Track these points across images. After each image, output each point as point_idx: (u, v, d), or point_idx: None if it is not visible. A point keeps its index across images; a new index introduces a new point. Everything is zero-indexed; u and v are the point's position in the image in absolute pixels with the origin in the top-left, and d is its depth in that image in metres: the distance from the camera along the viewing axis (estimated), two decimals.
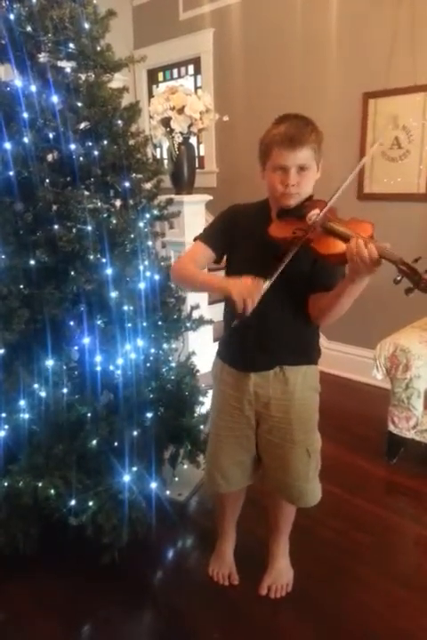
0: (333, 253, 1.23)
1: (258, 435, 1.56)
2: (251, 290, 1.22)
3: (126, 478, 1.73)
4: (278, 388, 1.47)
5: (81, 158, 1.72)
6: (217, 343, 1.65)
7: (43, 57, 1.74)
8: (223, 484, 1.62)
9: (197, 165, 3.23)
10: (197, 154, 3.48)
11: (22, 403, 1.68)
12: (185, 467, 2.15)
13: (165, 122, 2.85)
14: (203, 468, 1.82)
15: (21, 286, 1.67)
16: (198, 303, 2.23)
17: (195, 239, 1.52)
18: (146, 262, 1.90)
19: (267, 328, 1.41)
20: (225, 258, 1.52)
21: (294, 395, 1.47)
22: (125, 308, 1.79)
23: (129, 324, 1.81)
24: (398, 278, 1.09)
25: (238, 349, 1.49)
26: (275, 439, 1.51)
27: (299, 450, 1.51)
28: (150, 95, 4.49)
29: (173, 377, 2.11)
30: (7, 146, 1.60)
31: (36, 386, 1.68)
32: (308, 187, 1.34)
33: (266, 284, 1.24)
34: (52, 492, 1.66)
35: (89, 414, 1.74)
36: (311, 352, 1.53)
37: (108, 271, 1.73)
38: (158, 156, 4.40)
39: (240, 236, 1.44)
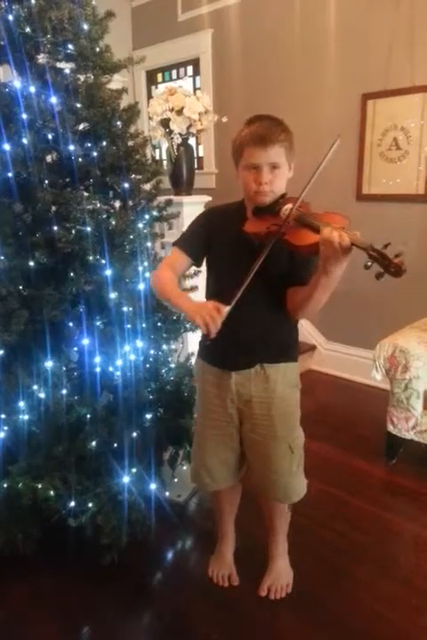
0: (306, 244, 1.25)
1: (242, 433, 1.57)
2: (213, 315, 1.23)
3: (126, 479, 1.73)
4: (260, 386, 1.49)
5: (80, 159, 1.72)
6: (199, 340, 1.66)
7: (42, 58, 1.73)
8: (210, 483, 1.64)
9: (195, 166, 3.23)
10: (196, 155, 3.49)
11: (22, 404, 1.68)
12: (184, 468, 2.15)
13: (164, 123, 2.85)
14: None
15: (21, 287, 1.67)
16: None
17: (173, 244, 1.54)
18: (145, 263, 1.90)
19: (246, 327, 1.43)
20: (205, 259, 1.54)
21: (275, 392, 1.50)
22: (125, 308, 1.79)
23: (128, 325, 1.81)
24: (369, 264, 1.12)
25: (219, 349, 1.50)
26: (257, 437, 1.53)
27: (281, 446, 1.53)
28: (149, 96, 4.49)
29: (172, 378, 2.11)
30: (6, 147, 1.60)
31: (35, 387, 1.69)
32: (281, 184, 1.37)
33: (227, 309, 1.26)
34: (52, 493, 1.66)
35: (88, 415, 1.74)
36: (291, 349, 1.55)
37: (108, 272, 1.73)
38: (157, 157, 4.40)
39: (217, 237, 1.47)
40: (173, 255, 1.52)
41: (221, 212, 1.55)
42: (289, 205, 1.30)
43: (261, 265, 1.27)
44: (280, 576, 1.75)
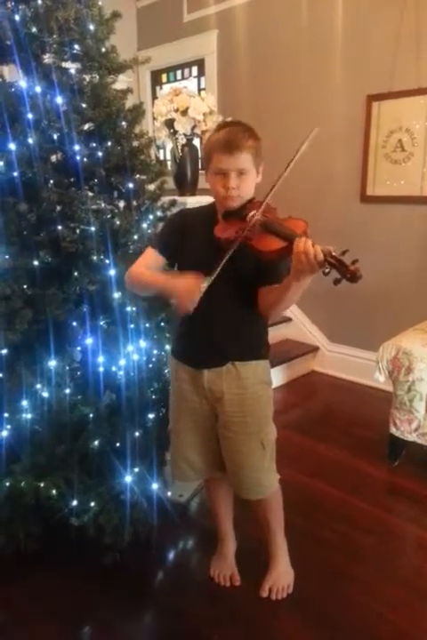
0: (270, 250, 1.30)
1: (217, 429, 1.60)
2: (191, 289, 1.30)
3: (128, 479, 1.74)
4: (232, 383, 1.52)
5: (85, 159, 1.73)
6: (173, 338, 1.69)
7: (48, 58, 1.74)
8: (191, 474, 1.68)
9: (200, 167, 3.23)
10: (200, 155, 3.49)
11: (25, 403, 1.68)
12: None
13: (169, 123, 2.86)
14: None
15: (25, 286, 1.68)
16: None
17: (149, 244, 1.58)
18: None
19: (217, 326, 1.47)
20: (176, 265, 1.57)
21: (247, 389, 1.53)
22: (128, 308, 1.79)
23: (132, 325, 1.81)
24: (327, 270, 1.17)
25: (190, 348, 1.55)
26: (230, 433, 1.56)
27: (253, 442, 1.55)
28: (154, 97, 4.50)
29: None
30: (12, 146, 1.61)
31: (38, 386, 1.69)
32: (248, 189, 1.41)
33: (205, 283, 1.30)
34: (54, 492, 1.66)
35: (91, 415, 1.74)
36: (261, 347, 1.58)
37: (112, 272, 1.74)
38: (162, 158, 4.40)
39: (189, 238, 1.50)
40: (146, 254, 1.56)
41: (193, 213, 1.60)
42: (255, 211, 1.35)
43: (230, 266, 1.32)
44: (281, 577, 1.75)
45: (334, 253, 1.15)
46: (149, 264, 1.54)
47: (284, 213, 1.38)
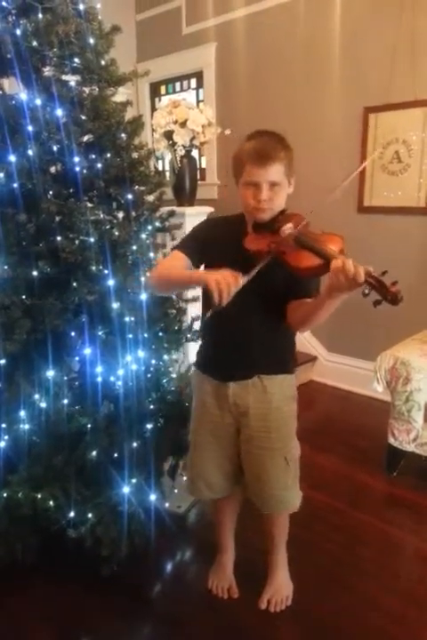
0: (303, 266, 1.26)
1: (239, 443, 1.58)
2: (228, 280, 1.22)
3: (126, 490, 1.73)
4: (258, 397, 1.50)
5: (84, 170, 1.74)
6: (197, 351, 1.67)
7: (48, 71, 1.76)
8: (206, 492, 1.64)
9: (198, 178, 3.26)
10: (198, 166, 3.51)
11: (22, 413, 1.68)
12: (184, 479, 2.13)
13: (168, 135, 2.88)
14: None
15: (23, 297, 1.68)
16: (199, 315, 2.23)
17: (173, 248, 1.55)
18: (148, 274, 1.91)
19: (244, 339, 1.45)
20: (202, 268, 1.53)
21: (272, 403, 1.50)
22: (127, 318, 1.79)
23: (130, 335, 1.81)
24: (367, 291, 1.12)
25: (216, 360, 1.53)
26: (253, 448, 1.53)
27: (277, 458, 1.53)
28: (153, 109, 4.53)
29: (173, 388, 2.11)
30: (12, 158, 1.62)
31: (36, 396, 1.69)
32: (280, 201, 1.38)
33: (243, 280, 1.24)
34: (52, 503, 1.66)
35: (89, 425, 1.74)
36: (288, 361, 1.56)
37: (110, 282, 1.74)
38: (161, 169, 4.43)
39: (216, 248, 1.47)
40: (173, 256, 1.51)
41: (222, 222, 1.57)
42: (290, 225, 1.31)
43: (259, 278, 1.27)
44: (280, 588, 1.74)
45: (373, 274, 1.11)
46: (175, 265, 1.50)
47: (316, 227, 1.34)
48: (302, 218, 1.33)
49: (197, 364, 1.63)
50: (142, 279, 1.86)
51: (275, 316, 1.44)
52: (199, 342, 1.74)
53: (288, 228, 1.31)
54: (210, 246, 1.48)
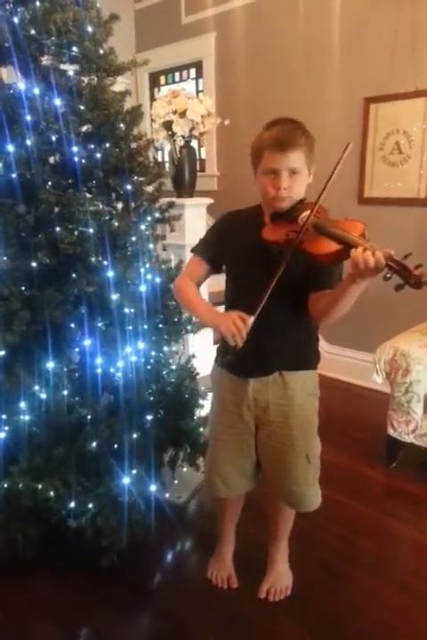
0: (323, 253, 1.23)
1: (258, 440, 1.56)
2: (238, 325, 1.24)
3: (126, 481, 1.73)
4: (278, 393, 1.47)
5: (83, 161, 1.72)
6: (217, 346, 1.65)
7: (46, 60, 1.74)
8: (223, 489, 1.62)
9: (198, 169, 3.24)
10: (198, 157, 3.49)
11: (23, 404, 1.68)
12: (184, 469, 2.15)
13: (167, 125, 2.86)
14: (202, 470, 1.82)
15: (23, 288, 1.67)
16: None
17: (192, 251, 1.54)
18: (147, 265, 1.91)
19: (265, 334, 1.40)
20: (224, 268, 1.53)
21: (294, 400, 1.47)
22: (126, 310, 1.79)
23: (130, 327, 1.81)
24: (388, 275, 1.10)
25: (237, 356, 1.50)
26: (274, 444, 1.51)
27: (298, 455, 1.51)
28: (152, 98, 4.51)
29: (173, 380, 2.11)
30: (10, 148, 1.61)
31: (36, 388, 1.69)
32: (299, 190, 1.35)
33: (252, 319, 1.26)
34: (52, 493, 1.66)
35: (89, 416, 1.74)
36: (310, 357, 1.53)
37: (110, 274, 1.73)
38: (160, 159, 4.41)
39: (235, 242, 1.45)
40: (191, 264, 1.54)
41: (238, 216, 1.52)
42: (307, 212, 1.28)
43: (281, 273, 1.25)
44: (280, 579, 1.75)
45: (395, 257, 1.08)
46: (193, 273, 1.52)
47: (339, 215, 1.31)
48: (320, 206, 1.29)
49: (217, 360, 1.60)
50: (142, 270, 1.86)
51: (296, 310, 1.40)
52: (201, 333, 1.74)
53: (305, 215, 1.27)
54: (228, 243, 1.46)
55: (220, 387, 1.58)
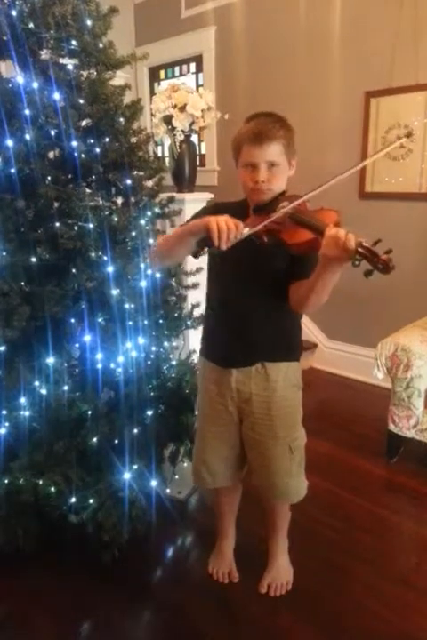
0: (299, 242, 1.26)
1: (242, 432, 1.57)
2: (230, 225, 1.18)
3: (127, 476, 1.74)
4: (260, 385, 1.48)
5: (83, 155, 1.72)
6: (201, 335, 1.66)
7: (45, 54, 1.73)
8: (209, 480, 1.64)
9: (198, 163, 3.22)
10: (198, 152, 3.48)
11: (23, 400, 1.68)
12: (185, 465, 2.15)
13: (167, 119, 2.85)
14: None
15: (22, 283, 1.67)
16: (199, 301, 2.23)
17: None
18: (147, 260, 1.90)
19: (247, 325, 1.43)
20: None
21: (276, 391, 1.49)
22: (126, 305, 1.79)
23: (130, 322, 1.81)
24: (357, 262, 1.12)
25: (219, 346, 1.51)
26: (257, 436, 1.53)
27: (281, 446, 1.52)
28: (152, 93, 4.49)
29: (173, 375, 2.11)
30: (9, 143, 1.60)
31: (36, 383, 1.69)
32: (279, 182, 1.36)
33: (246, 230, 1.22)
34: (53, 489, 1.66)
35: (89, 412, 1.74)
36: (292, 348, 1.54)
37: (110, 269, 1.73)
38: (160, 154, 4.39)
39: None
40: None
41: (224, 207, 1.51)
42: (286, 203, 1.31)
43: (261, 262, 1.28)
44: (280, 573, 1.75)
45: (365, 243, 1.10)
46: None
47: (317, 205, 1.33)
48: (299, 197, 1.32)
49: (201, 350, 1.62)
50: (142, 265, 1.86)
51: (277, 301, 1.42)
52: (201, 328, 1.74)
53: (284, 205, 1.30)
54: None
55: (204, 378, 1.59)
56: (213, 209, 1.52)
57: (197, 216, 1.52)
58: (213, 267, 1.52)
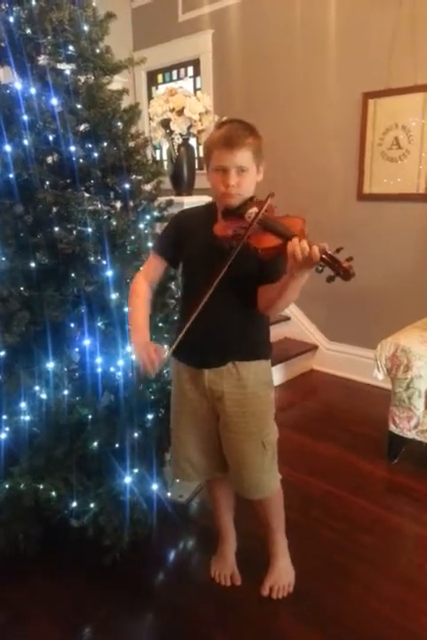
0: (266, 247, 1.31)
1: (219, 432, 1.60)
2: (151, 358, 1.36)
3: (127, 480, 1.73)
4: (232, 383, 1.52)
5: (81, 160, 1.72)
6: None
7: (42, 59, 1.74)
8: (193, 474, 1.67)
9: (196, 166, 3.23)
10: (196, 155, 3.49)
11: (23, 405, 1.68)
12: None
13: (165, 123, 2.86)
14: None
15: (22, 288, 1.68)
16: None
17: (152, 249, 1.62)
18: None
19: (217, 326, 1.47)
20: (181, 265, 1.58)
21: (247, 389, 1.52)
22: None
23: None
24: (320, 268, 1.18)
25: (191, 348, 1.52)
26: (230, 433, 1.56)
27: (254, 442, 1.55)
28: (150, 97, 4.49)
29: None
30: (7, 148, 1.61)
31: (36, 388, 1.69)
32: (248, 187, 1.40)
33: (167, 354, 1.38)
34: (53, 493, 1.66)
35: (90, 416, 1.74)
36: (262, 348, 1.58)
37: (109, 273, 1.73)
38: (158, 158, 4.40)
39: (189, 239, 1.50)
40: (149, 262, 1.60)
41: (192, 213, 1.61)
42: (254, 209, 1.35)
43: (230, 266, 1.32)
44: (282, 576, 1.75)
45: (328, 251, 1.16)
46: (150, 272, 1.57)
47: (282, 212, 1.38)
48: (267, 203, 1.36)
49: (174, 352, 1.63)
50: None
51: (247, 303, 1.46)
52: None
53: (253, 211, 1.34)
54: (184, 238, 1.51)
55: (179, 378, 1.62)
56: (175, 225, 1.59)
57: (163, 234, 1.62)
58: (186, 273, 1.56)
